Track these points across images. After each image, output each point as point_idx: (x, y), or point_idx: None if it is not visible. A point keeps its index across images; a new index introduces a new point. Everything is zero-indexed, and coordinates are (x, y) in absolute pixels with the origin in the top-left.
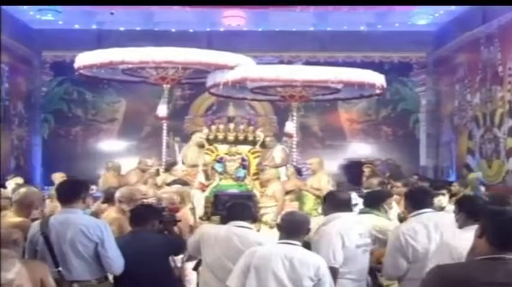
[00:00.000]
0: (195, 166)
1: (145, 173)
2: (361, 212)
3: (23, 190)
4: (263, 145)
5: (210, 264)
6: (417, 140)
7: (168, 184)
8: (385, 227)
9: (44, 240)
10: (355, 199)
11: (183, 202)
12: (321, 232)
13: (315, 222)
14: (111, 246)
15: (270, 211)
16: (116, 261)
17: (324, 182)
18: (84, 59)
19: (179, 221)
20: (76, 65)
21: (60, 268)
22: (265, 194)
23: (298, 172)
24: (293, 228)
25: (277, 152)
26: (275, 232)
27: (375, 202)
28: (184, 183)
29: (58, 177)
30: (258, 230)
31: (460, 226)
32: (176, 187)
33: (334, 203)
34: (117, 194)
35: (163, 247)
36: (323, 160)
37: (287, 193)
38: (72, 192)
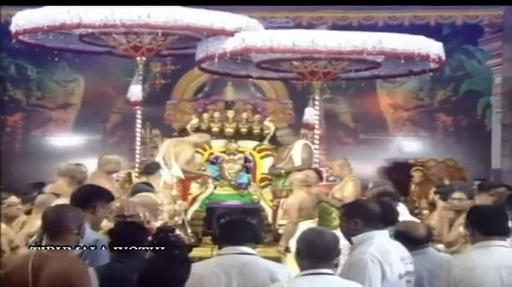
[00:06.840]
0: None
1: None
2: None
3: None
4: (274, 140)
5: None
6: (488, 132)
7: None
8: None
9: None
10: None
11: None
12: (350, 258)
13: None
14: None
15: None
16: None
17: (348, 191)
18: (25, 20)
19: (195, 246)
20: (13, 29)
21: None
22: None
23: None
24: (321, 252)
25: (298, 150)
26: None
27: None
28: (150, 187)
29: None
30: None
31: None
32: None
33: (362, 218)
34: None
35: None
36: (347, 162)
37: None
38: (81, 200)
